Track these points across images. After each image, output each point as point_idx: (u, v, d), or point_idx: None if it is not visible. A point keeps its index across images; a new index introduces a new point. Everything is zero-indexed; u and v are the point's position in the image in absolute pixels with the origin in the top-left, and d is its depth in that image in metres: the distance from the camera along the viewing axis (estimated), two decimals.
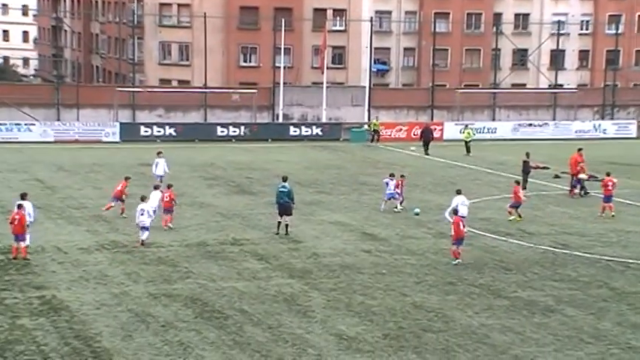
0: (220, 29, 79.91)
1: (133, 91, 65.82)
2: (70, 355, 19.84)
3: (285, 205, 32.65)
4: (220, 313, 23.30)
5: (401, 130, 67.11)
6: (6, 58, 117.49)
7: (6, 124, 59.32)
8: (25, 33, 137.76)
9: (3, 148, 55.16)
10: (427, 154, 58.11)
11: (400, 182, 38.10)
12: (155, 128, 62.54)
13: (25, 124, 59.78)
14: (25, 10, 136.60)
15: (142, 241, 30.28)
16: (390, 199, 37.62)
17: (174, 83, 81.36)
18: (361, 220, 36.04)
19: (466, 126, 63.65)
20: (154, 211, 31.57)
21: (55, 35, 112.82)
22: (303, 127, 65.76)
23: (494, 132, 69.33)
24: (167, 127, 62.78)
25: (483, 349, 21.22)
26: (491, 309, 24.38)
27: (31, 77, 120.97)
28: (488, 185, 45.95)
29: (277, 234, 32.52)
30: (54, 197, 39.25)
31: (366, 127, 65.64)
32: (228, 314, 23.19)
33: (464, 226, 29.10)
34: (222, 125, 64.26)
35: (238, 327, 22.20)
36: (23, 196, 29.87)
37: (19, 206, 28.62)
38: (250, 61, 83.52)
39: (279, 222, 32.86)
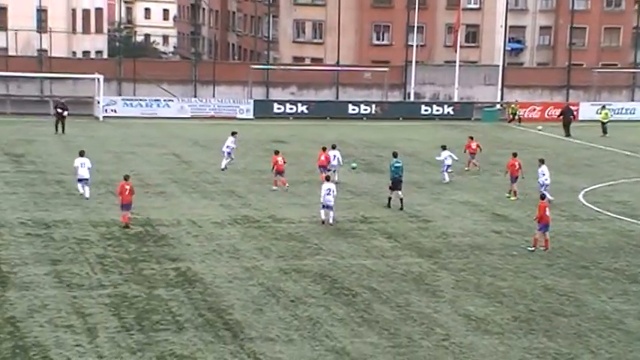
0: (354, 7, 79.85)
1: (267, 69, 66.64)
2: (204, 326, 20.32)
3: (399, 179, 33.36)
4: (349, 290, 23.41)
5: (534, 110, 65.67)
6: (147, 36, 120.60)
7: (146, 100, 60.99)
8: (166, 11, 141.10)
9: (143, 123, 56.79)
10: (568, 134, 56.59)
11: (476, 146, 42.16)
12: (288, 106, 63.14)
13: (164, 100, 61.32)
14: None
15: (324, 220, 30.26)
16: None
17: (307, 61, 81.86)
18: (492, 200, 35.52)
19: (603, 107, 61.73)
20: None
21: (194, 13, 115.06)
22: (434, 106, 65.13)
23: (633, 113, 67.02)
24: (299, 105, 63.26)
25: (617, 334, 20.63)
26: (626, 294, 23.66)
27: (170, 54, 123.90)
28: (625, 167, 44.52)
29: (389, 207, 33.14)
30: (189, 172, 40.20)
31: (501, 108, 64.48)
32: (357, 291, 23.27)
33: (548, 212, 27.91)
34: (354, 103, 64.30)
35: (367, 304, 22.26)
36: (82, 153, 33.82)
37: (127, 178, 29.78)
38: (383, 40, 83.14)
39: (390, 197, 33.41)
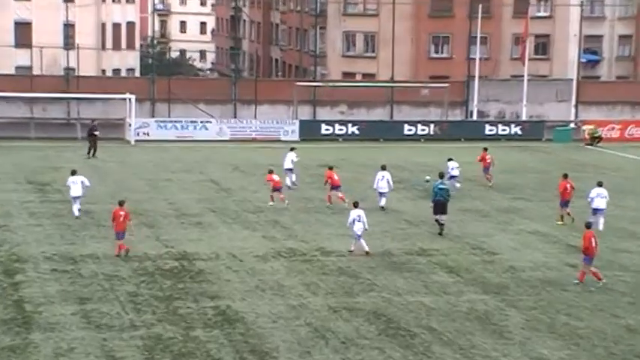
0: (409, 17, 79.98)
1: (314, 86, 66.99)
2: None
3: (443, 202, 34.08)
4: (406, 330, 23.33)
5: (613, 129, 65.09)
6: (183, 51, 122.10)
7: (181, 122, 61.52)
8: (203, 25, 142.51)
9: (178, 146, 57.34)
10: None
11: (490, 158, 44.88)
12: (337, 126, 63.36)
13: (201, 122, 61.87)
14: (203, 0, 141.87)
15: (352, 250, 30.86)
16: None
17: (358, 77, 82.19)
18: (565, 230, 35.21)
19: None
20: None
21: (234, 26, 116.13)
22: (500, 126, 64.89)
23: None
24: (350, 125, 63.46)
25: None
26: None
27: (207, 71, 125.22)
28: None
29: (440, 234, 33.70)
30: (229, 200, 40.45)
31: (575, 126, 64.05)
32: (415, 332, 23.18)
33: (596, 243, 27.67)
34: (410, 123, 64.30)
35: (426, 347, 22.15)
36: (73, 172, 36.11)
37: (121, 203, 30.63)
38: (442, 52, 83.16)
39: (438, 220, 33.95)
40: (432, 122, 64.75)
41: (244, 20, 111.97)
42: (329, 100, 66.53)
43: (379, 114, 66.81)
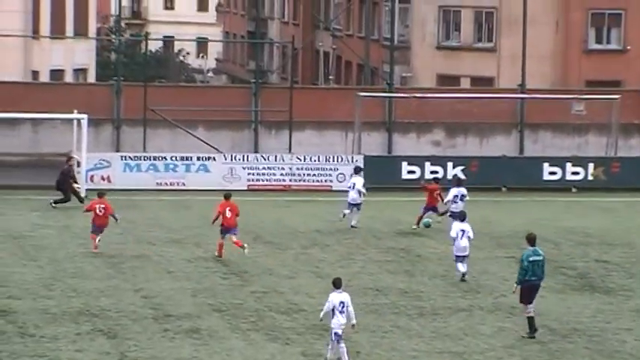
0: None
1: (389, 97, 67.05)
2: None
3: (537, 285, 34.50)
4: None
5: None
6: (168, 40, 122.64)
7: (165, 159, 61.80)
8: None
9: (158, 200, 57.45)
10: None
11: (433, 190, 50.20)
12: (427, 165, 63.75)
13: (199, 159, 62.12)
14: None
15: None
16: None
17: (465, 83, 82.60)
18: None
19: None
20: None
21: None
22: None
23: None
24: (449, 164, 63.95)
25: None
26: None
27: (210, 74, 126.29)
28: None
29: (532, 337, 34.18)
30: (244, 291, 40.37)
31: None
32: None
33: None
34: (553, 161, 64.99)
35: None
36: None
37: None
38: (608, 42, 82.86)
39: (531, 317, 34.24)
40: (590, 159, 64.48)
41: None
42: (415, 123, 66.41)
43: (500, 145, 66.68)
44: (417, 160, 63.80)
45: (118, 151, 63.25)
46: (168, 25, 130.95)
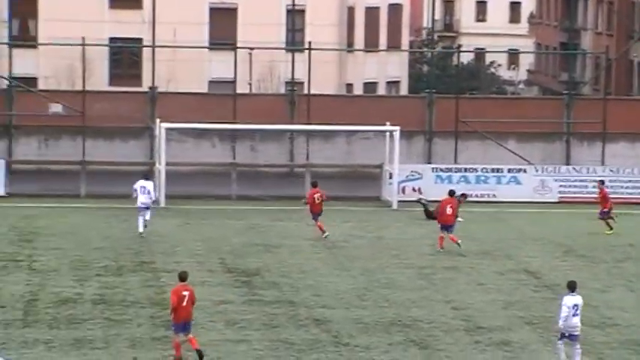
0: None
1: None
2: None
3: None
4: None
5: None
6: (480, 53, 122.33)
7: (476, 170, 62.25)
8: (515, 6, 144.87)
9: (469, 212, 57.55)
10: None
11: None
12: None
13: (510, 171, 62.17)
14: None
15: None
16: None
17: None
18: None
19: None
20: None
21: (568, 7, 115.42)
22: None
23: None
24: None
25: None
26: None
27: (520, 85, 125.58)
28: None
29: None
30: (555, 304, 39.98)
31: None
32: None
33: None
34: None
35: None
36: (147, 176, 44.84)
37: (183, 278, 32.56)
38: None
39: None
40: None
41: None
42: None
43: None
44: None
45: (429, 162, 63.65)
46: (480, 37, 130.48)
